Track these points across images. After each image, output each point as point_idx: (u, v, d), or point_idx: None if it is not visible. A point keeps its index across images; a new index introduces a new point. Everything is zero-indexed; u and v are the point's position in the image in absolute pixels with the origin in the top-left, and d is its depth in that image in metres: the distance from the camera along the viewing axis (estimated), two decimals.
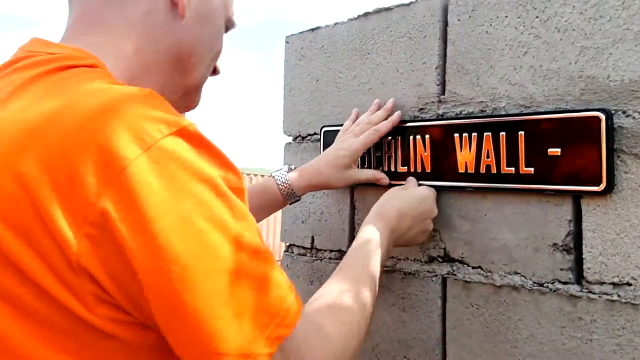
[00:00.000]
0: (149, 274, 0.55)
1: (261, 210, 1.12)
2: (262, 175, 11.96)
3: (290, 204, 1.16)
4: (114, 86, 0.63)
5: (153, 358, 0.62)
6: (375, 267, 0.89)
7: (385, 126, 1.12)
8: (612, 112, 0.86)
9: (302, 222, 1.34)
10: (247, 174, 11.98)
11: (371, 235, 0.93)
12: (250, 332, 0.58)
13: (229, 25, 0.85)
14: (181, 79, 0.79)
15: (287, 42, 1.41)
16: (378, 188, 1.18)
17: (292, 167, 1.16)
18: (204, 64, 0.81)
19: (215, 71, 0.88)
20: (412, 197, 1.02)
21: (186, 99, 0.83)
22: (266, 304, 0.60)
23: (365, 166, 1.19)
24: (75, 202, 0.55)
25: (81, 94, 0.61)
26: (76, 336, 0.58)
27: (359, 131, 1.13)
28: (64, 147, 0.56)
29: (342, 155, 1.12)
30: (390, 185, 1.12)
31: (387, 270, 1.16)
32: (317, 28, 1.33)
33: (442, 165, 1.06)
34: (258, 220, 1.06)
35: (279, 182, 1.12)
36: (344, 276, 0.84)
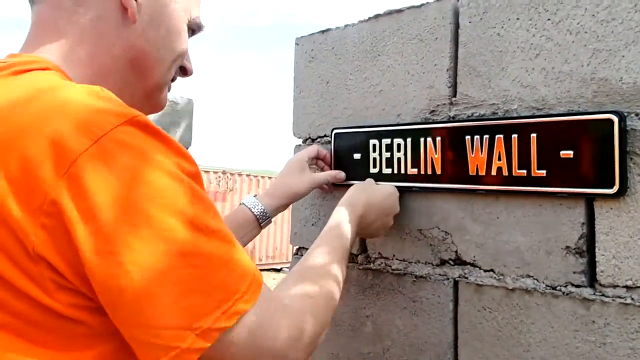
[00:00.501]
0: (96, 262, 0.57)
1: (239, 241, 1.14)
2: (270, 178, 11.95)
3: (263, 227, 1.19)
4: (64, 84, 0.66)
5: (118, 342, 0.63)
6: (344, 250, 0.95)
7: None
8: (625, 114, 0.85)
9: (312, 224, 1.34)
10: (255, 176, 11.97)
11: (341, 220, 0.99)
12: (200, 308, 0.60)
13: (194, 27, 0.86)
14: (140, 82, 0.81)
15: (297, 43, 1.41)
16: None
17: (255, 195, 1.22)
18: (164, 66, 0.82)
19: (185, 72, 0.90)
20: (379, 191, 1.10)
21: (148, 101, 0.84)
22: (224, 281, 0.62)
23: (376, 168, 1.18)
24: (30, 194, 0.57)
25: (33, 92, 0.64)
26: (40, 323, 0.60)
27: None
28: (16, 143, 0.59)
29: (291, 164, 1.21)
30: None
31: (398, 274, 1.15)
32: (328, 30, 1.34)
33: (453, 167, 1.05)
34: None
35: (249, 205, 1.17)
36: (312, 257, 0.89)
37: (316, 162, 1.28)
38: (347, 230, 0.98)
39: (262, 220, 1.16)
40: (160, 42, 0.80)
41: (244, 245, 1.14)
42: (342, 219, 1.00)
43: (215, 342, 0.61)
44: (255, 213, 1.15)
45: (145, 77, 0.81)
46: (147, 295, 0.58)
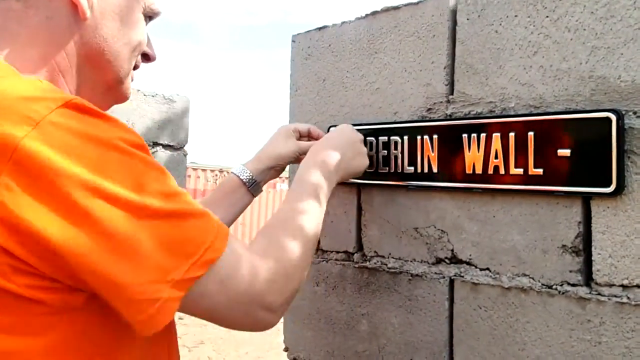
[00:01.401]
0: (60, 239, 0.59)
1: (230, 208, 1.17)
2: None
3: (255, 195, 1.19)
4: (6, 77, 0.68)
5: (80, 320, 0.66)
6: (313, 192, 0.95)
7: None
8: (623, 112, 0.85)
9: None
10: None
11: (308, 171, 0.99)
12: (171, 262, 0.64)
13: (150, 14, 0.86)
14: (99, 76, 0.81)
15: (293, 41, 1.40)
16: (384, 189, 1.17)
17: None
18: (122, 59, 0.82)
19: (148, 58, 0.90)
20: (331, 133, 1.13)
21: (111, 93, 0.84)
22: (189, 234, 0.67)
23: (373, 166, 1.18)
24: None
25: None
26: (3, 307, 0.62)
27: None
28: None
29: (277, 132, 1.21)
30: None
31: (394, 272, 1.15)
32: (324, 27, 1.33)
33: (450, 165, 1.05)
34: (230, 222, 1.14)
35: (237, 173, 1.17)
36: (282, 209, 0.91)
37: (308, 139, 1.24)
38: (314, 175, 0.98)
39: (250, 185, 1.16)
40: (115, 35, 0.80)
41: (238, 212, 1.17)
42: (305, 168, 1.00)
43: (189, 291, 0.65)
44: (242, 178, 1.16)
45: (104, 72, 0.81)
46: (118, 259, 0.61)
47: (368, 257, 1.21)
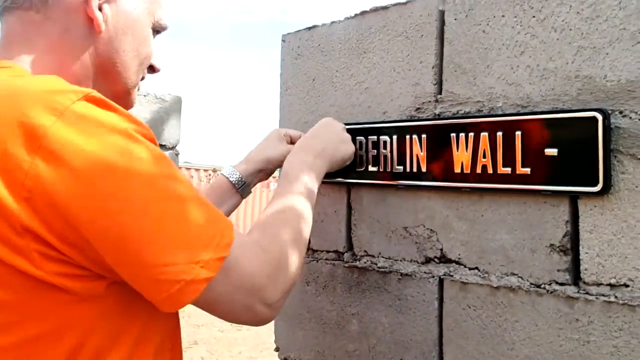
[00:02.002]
0: (89, 220, 0.63)
1: (220, 208, 1.18)
2: None
3: (244, 196, 1.19)
4: (24, 76, 0.73)
5: (99, 307, 0.70)
6: (307, 187, 0.97)
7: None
8: (609, 112, 0.85)
9: None
10: None
11: (296, 163, 1.01)
12: (199, 242, 0.68)
13: (158, 29, 0.90)
14: (109, 86, 0.85)
15: (283, 40, 1.40)
16: (373, 188, 1.17)
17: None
18: (131, 70, 0.87)
19: (153, 70, 0.94)
20: (314, 127, 1.12)
21: (118, 102, 0.88)
22: (209, 217, 0.71)
23: (362, 165, 1.18)
24: (11, 174, 0.63)
25: None
26: (26, 292, 0.65)
27: None
28: None
29: (268, 135, 1.22)
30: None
31: (384, 272, 1.15)
32: (314, 27, 1.33)
33: (439, 165, 1.05)
34: None
35: (227, 174, 1.18)
36: (275, 202, 0.93)
37: None
38: (303, 166, 1.00)
39: (239, 186, 1.17)
40: (126, 48, 0.84)
41: (227, 213, 1.17)
42: (293, 159, 1.03)
43: (220, 271, 0.68)
44: (231, 180, 1.16)
45: (114, 82, 0.85)
46: (146, 239, 0.65)
47: (358, 257, 1.22)
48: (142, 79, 0.93)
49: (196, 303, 0.71)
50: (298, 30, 1.37)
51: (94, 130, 0.65)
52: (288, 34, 1.39)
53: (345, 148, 1.12)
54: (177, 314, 0.85)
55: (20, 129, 0.64)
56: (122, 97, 0.87)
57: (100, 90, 0.83)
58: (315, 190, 1.00)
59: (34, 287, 0.65)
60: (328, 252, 1.27)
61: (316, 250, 1.30)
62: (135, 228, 0.65)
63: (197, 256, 0.67)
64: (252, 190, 1.23)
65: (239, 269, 0.72)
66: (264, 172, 1.19)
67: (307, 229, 0.91)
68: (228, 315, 0.76)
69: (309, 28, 1.34)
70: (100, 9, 0.80)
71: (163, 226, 0.66)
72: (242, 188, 1.17)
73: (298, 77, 1.35)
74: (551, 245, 0.92)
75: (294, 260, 0.83)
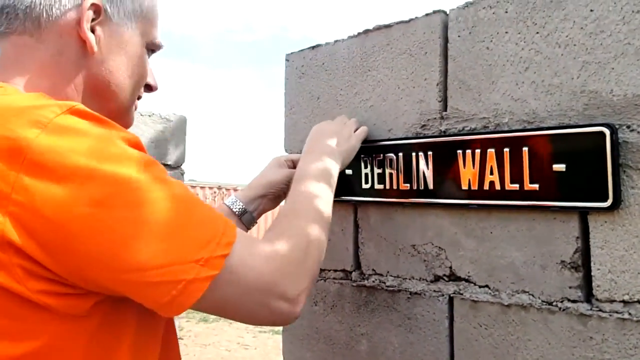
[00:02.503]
0: (80, 230, 0.62)
1: None
2: None
3: (246, 224, 1.17)
4: (11, 94, 0.73)
5: (85, 327, 0.68)
6: (324, 181, 0.97)
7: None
8: (617, 126, 0.84)
9: None
10: None
11: (311, 158, 1.02)
12: (196, 241, 0.67)
13: (153, 47, 0.90)
14: (104, 105, 0.83)
15: (287, 60, 1.40)
16: (380, 206, 1.17)
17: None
18: (126, 90, 0.86)
19: (150, 88, 0.94)
20: (317, 127, 1.15)
21: (115, 122, 0.87)
22: (207, 217, 0.71)
23: (368, 183, 1.17)
24: None
25: None
26: (9, 311, 0.64)
27: None
28: None
29: (272, 161, 1.22)
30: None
31: (392, 290, 1.14)
32: (318, 46, 1.33)
33: (446, 182, 1.04)
34: None
35: (228, 204, 1.17)
36: (292, 196, 0.94)
37: None
38: (318, 161, 1.01)
39: (241, 215, 1.15)
40: (120, 68, 0.84)
41: None
42: (307, 156, 1.04)
43: (223, 268, 0.68)
44: (234, 210, 1.15)
45: (109, 102, 0.85)
46: (140, 242, 0.64)
47: (366, 276, 1.21)
48: (139, 98, 0.93)
49: (205, 307, 0.70)
50: (302, 50, 1.37)
51: (79, 140, 0.65)
52: (292, 53, 1.39)
53: (354, 140, 1.13)
54: (172, 332, 0.84)
55: (4, 143, 0.63)
56: (119, 117, 0.87)
57: (96, 110, 0.83)
58: (334, 182, 1.00)
59: (17, 305, 0.64)
60: (336, 271, 1.27)
61: (324, 270, 1.29)
62: (128, 233, 0.64)
63: (196, 255, 0.66)
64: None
65: (245, 266, 0.72)
66: (267, 197, 1.17)
67: (325, 219, 0.91)
68: (244, 316, 0.76)
69: (313, 47, 1.34)
70: (92, 31, 0.80)
71: (157, 228, 0.65)
72: (246, 217, 1.15)
73: (302, 96, 1.35)
74: (562, 261, 0.91)
75: (311, 252, 0.83)
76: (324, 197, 0.94)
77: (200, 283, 0.66)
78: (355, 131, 1.16)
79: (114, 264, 0.64)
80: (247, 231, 1.18)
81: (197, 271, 0.66)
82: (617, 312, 0.84)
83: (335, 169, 1.03)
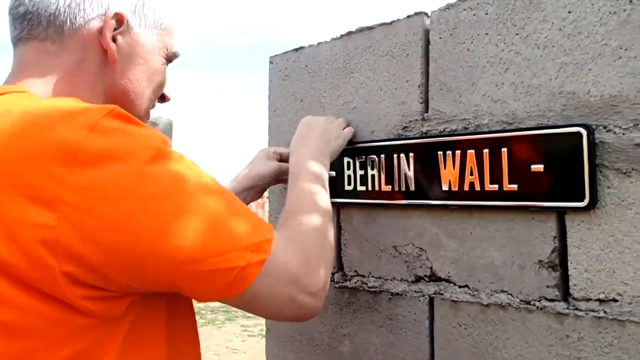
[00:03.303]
0: (129, 227, 0.63)
1: None
2: None
3: None
4: (43, 100, 0.74)
5: (121, 327, 0.69)
6: (317, 176, 1.00)
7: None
8: (593, 127, 0.85)
9: None
10: None
11: (303, 159, 1.03)
12: (243, 230, 0.71)
13: (171, 57, 0.91)
14: None
15: (271, 62, 1.41)
16: (363, 207, 1.17)
17: None
18: (143, 99, 0.88)
19: (164, 99, 0.95)
20: (305, 122, 1.15)
21: None
22: (245, 210, 0.75)
23: (351, 185, 1.18)
24: (46, 191, 0.62)
25: (16, 112, 0.69)
26: (51, 317, 0.64)
27: None
28: (15, 157, 0.65)
29: (259, 153, 1.23)
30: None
31: (374, 291, 1.14)
32: (301, 48, 1.34)
33: (427, 183, 1.05)
34: None
35: None
36: (293, 197, 0.96)
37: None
38: (310, 161, 1.02)
39: None
40: (140, 77, 0.85)
41: None
42: (297, 157, 1.05)
43: (267, 256, 0.71)
44: None
45: (128, 110, 0.84)
46: (192, 233, 0.66)
47: (348, 277, 1.21)
48: (152, 107, 0.94)
49: (240, 300, 0.72)
50: (285, 52, 1.37)
51: (125, 140, 0.67)
52: (275, 55, 1.40)
53: (342, 139, 1.15)
54: (194, 328, 0.85)
55: (54, 147, 0.64)
56: None
57: None
58: (326, 177, 1.02)
59: (60, 311, 0.64)
60: None
61: None
62: (181, 225, 0.65)
63: (246, 241, 0.70)
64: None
65: (274, 258, 0.73)
66: (254, 189, 1.18)
67: (329, 215, 0.93)
68: (272, 310, 0.78)
69: (296, 49, 1.35)
70: (114, 40, 0.81)
71: (208, 219, 0.68)
72: None
73: (286, 98, 1.36)
74: (540, 261, 0.91)
75: (326, 248, 0.86)
76: (324, 194, 0.97)
77: (252, 268, 0.70)
78: (343, 129, 1.17)
79: (170, 258, 0.65)
80: None
81: (249, 257, 0.69)
82: (592, 311, 0.85)
83: (327, 167, 1.05)
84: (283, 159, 1.21)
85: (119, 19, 0.81)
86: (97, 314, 0.66)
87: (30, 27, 0.79)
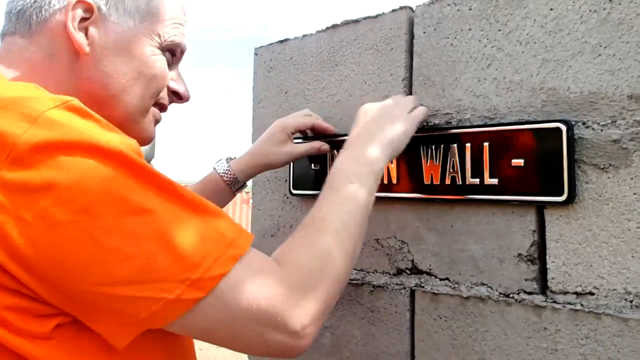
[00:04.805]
0: (56, 241, 0.57)
1: None
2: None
3: (236, 192, 1.18)
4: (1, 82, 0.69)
5: (45, 350, 0.62)
6: (358, 188, 0.83)
7: (317, 118, 1.18)
8: (573, 123, 0.87)
9: (272, 235, 1.33)
10: None
11: (349, 160, 0.88)
12: (189, 260, 0.61)
13: (170, 47, 0.83)
14: (105, 112, 0.73)
15: (256, 54, 1.40)
16: None
17: (232, 157, 1.20)
18: (131, 94, 0.80)
19: (180, 97, 0.88)
20: (364, 107, 0.98)
21: (123, 132, 0.75)
22: (219, 227, 0.65)
23: None
24: None
25: None
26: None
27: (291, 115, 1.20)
28: None
29: (274, 132, 1.15)
30: (332, 151, 1.17)
31: (356, 284, 1.15)
32: (286, 40, 1.33)
33: (409, 177, 1.06)
34: None
35: (221, 172, 1.16)
36: (318, 207, 0.80)
37: (309, 133, 1.21)
38: (353, 175, 0.85)
39: (233, 187, 1.16)
40: (121, 70, 0.78)
41: None
42: (342, 161, 0.89)
43: (211, 291, 0.61)
44: (226, 180, 1.15)
45: (110, 108, 0.78)
46: (120, 255, 0.59)
47: None
48: (163, 108, 0.87)
49: (191, 330, 0.65)
50: (270, 44, 1.37)
51: (67, 136, 0.60)
52: (260, 47, 1.39)
53: (404, 130, 0.93)
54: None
55: None
56: (125, 126, 0.77)
57: None
58: (371, 187, 0.85)
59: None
60: None
61: None
62: (113, 245, 0.58)
63: (183, 274, 0.60)
64: (231, 204, 1.23)
65: (238, 291, 0.63)
66: (262, 171, 1.20)
67: (350, 240, 0.77)
68: (236, 345, 0.68)
69: (281, 41, 1.34)
70: (86, 31, 0.76)
71: (147, 240, 0.60)
72: (235, 186, 1.17)
73: (270, 90, 1.36)
74: (519, 254, 0.92)
75: (326, 278, 0.72)
76: (358, 209, 0.81)
77: (180, 304, 0.61)
78: (410, 112, 0.97)
79: (92, 276, 0.59)
80: (233, 197, 1.20)
81: (181, 291, 0.60)
82: (570, 304, 0.86)
83: (380, 164, 0.88)
84: (303, 132, 1.19)
85: (88, 8, 0.76)
86: (18, 328, 0.60)
87: (8, 23, 0.78)
